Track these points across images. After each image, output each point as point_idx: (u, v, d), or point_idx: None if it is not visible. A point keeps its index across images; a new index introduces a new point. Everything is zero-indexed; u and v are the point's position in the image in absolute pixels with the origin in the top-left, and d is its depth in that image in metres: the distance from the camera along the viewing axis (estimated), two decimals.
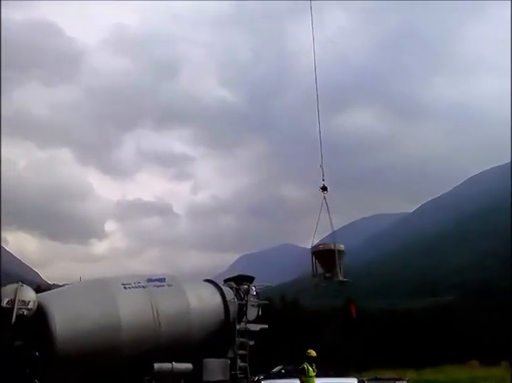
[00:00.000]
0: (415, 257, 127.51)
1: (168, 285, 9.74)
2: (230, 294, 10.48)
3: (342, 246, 10.92)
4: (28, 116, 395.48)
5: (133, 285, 9.30)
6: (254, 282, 11.31)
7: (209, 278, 11.41)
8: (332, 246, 10.89)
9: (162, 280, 9.78)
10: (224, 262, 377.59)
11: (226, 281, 11.21)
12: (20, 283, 8.15)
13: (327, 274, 10.83)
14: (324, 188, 11.20)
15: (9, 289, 8.05)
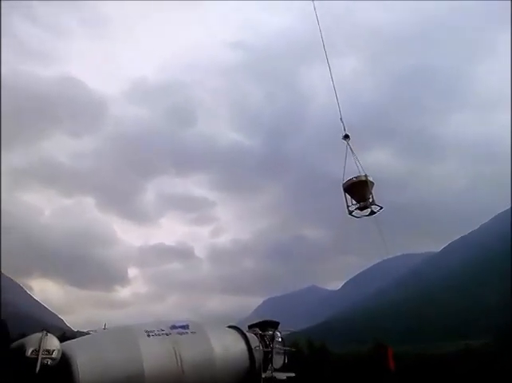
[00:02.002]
0: (444, 297, 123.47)
1: (192, 332, 9.61)
2: (254, 340, 10.26)
3: (371, 177, 11.67)
4: (54, 165, 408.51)
5: (157, 332, 9.22)
6: (280, 328, 11.10)
7: (233, 323, 11.25)
8: (364, 178, 11.54)
9: (185, 327, 9.67)
10: (248, 305, 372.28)
11: (250, 327, 11.02)
12: (44, 332, 8.15)
13: (361, 204, 11.46)
14: (346, 136, 11.98)
15: (33, 338, 8.05)
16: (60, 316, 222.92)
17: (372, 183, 11.66)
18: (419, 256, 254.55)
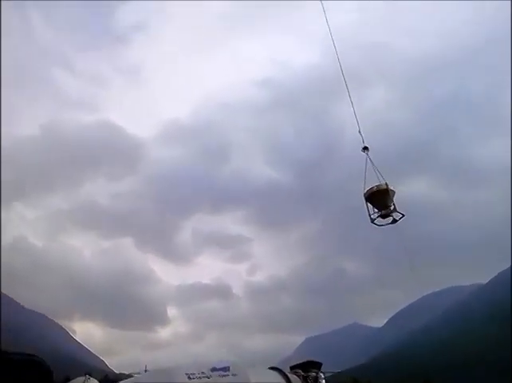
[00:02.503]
0: (493, 332, 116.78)
1: (233, 374, 9.35)
2: (297, 382, 9.91)
3: (393, 186, 11.79)
4: (94, 208, 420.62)
5: (198, 375, 9.02)
6: (323, 368, 10.70)
7: (274, 363, 10.92)
8: (385, 186, 11.69)
9: (226, 369, 9.43)
10: (288, 344, 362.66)
11: (292, 368, 10.66)
12: (87, 376, 8.14)
13: (383, 212, 11.61)
14: (365, 148, 12.15)
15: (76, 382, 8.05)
16: (102, 358, 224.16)
17: (393, 192, 11.82)
18: (465, 289, 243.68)
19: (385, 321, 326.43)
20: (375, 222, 11.80)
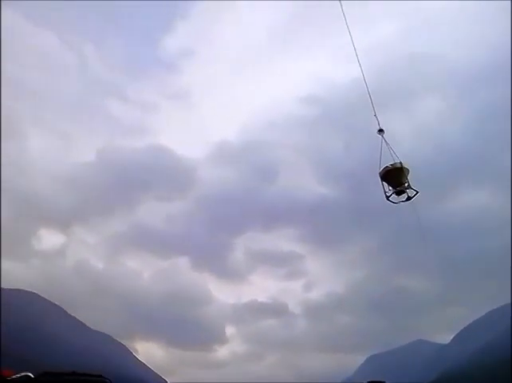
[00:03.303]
0: None
1: None
2: None
3: (407, 164, 12.31)
4: (149, 230, 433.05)
5: None
6: None
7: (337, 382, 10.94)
8: (399, 165, 12.20)
9: None
10: (349, 364, 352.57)
11: None
12: None
13: (398, 189, 12.15)
14: (380, 130, 12.78)
15: None
16: (164, 377, 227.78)
17: (408, 170, 12.35)
18: None
19: (451, 338, 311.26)
20: (390, 199, 12.46)
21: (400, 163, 12.38)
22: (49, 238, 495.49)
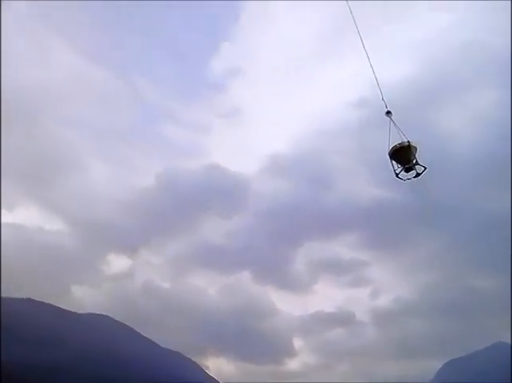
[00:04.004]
0: None
1: None
2: None
3: (415, 143, 12.77)
4: (210, 247, 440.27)
5: None
6: None
7: None
8: (407, 143, 12.75)
9: None
10: (426, 370, 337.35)
11: None
12: None
13: (406, 166, 12.62)
14: (388, 112, 13.60)
15: None
16: None
17: (415, 148, 12.87)
18: None
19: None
20: (399, 176, 12.90)
21: (408, 141, 12.85)
22: (117, 263, 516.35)
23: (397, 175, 12.98)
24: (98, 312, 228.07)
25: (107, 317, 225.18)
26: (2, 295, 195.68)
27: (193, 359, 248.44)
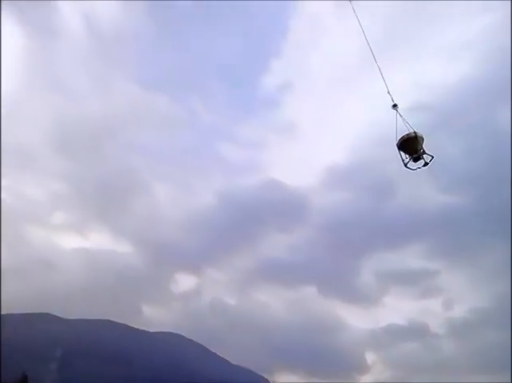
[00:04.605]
0: None
1: None
2: None
3: (422, 133, 13.06)
4: (273, 262, 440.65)
5: None
6: None
7: None
8: (414, 134, 13.04)
9: None
10: None
11: None
12: None
13: (414, 155, 12.96)
14: (394, 105, 13.73)
15: None
16: None
17: (422, 138, 13.22)
18: None
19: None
20: (408, 166, 13.40)
21: (415, 132, 13.23)
22: (185, 281, 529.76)
23: (406, 165, 13.42)
24: (169, 330, 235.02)
25: (177, 335, 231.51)
26: (82, 317, 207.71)
27: (264, 376, 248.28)
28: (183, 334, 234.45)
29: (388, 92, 14.09)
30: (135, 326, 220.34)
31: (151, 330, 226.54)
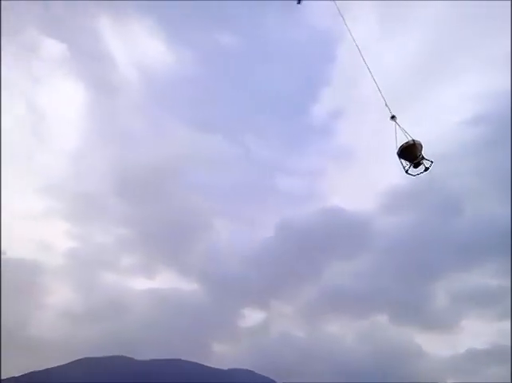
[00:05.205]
0: None
1: None
2: None
3: (420, 140, 13.56)
4: (340, 291, 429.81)
5: None
6: None
7: None
8: (412, 141, 13.58)
9: None
10: None
11: None
12: None
13: (414, 161, 13.50)
14: (393, 117, 14.27)
15: None
16: None
17: (421, 145, 13.79)
18: None
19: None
20: (409, 172, 13.96)
21: (413, 140, 13.82)
22: (252, 316, 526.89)
23: (407, 171, 13.94)
24: (240, 367, 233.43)
25: (249, 371, 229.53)
26: (154, 357, 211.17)
27: None
28: (254, 370, 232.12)
29: (386, 105, 14.59)
30: (207, 364, 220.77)
31: (224, 368, 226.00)
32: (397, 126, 14.74)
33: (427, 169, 14.12)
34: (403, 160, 14.42)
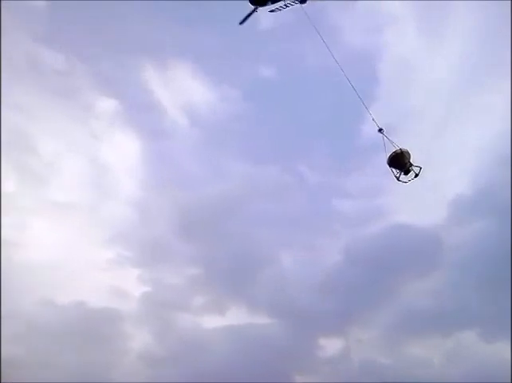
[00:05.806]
0: None
1: None
2: None
3: (407, 149, 14.20)
4: (419, 312, 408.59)
5: None
6: None
7: None
8: (399, 150, 14.15)
9: None
10: None
11: None
12: None
13: (404, 169, 14.01)
14: (380, 130, 14.75)
15: None
16: None
17: (408, 153, 14.49)
18: None
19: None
20: (400, 179, 14.74)
21: (400, 149, 14.47)
22: (330, 345, 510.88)
23: (398, 178, 14.63)
24: None
25: None
26: None
27: None
28: None
29: (373, 119, 15.29)
30: None
31: None
32: (385, 138, 15.55)
33: (417, 175, 14.77)
34: (393, 169, 15.19)
